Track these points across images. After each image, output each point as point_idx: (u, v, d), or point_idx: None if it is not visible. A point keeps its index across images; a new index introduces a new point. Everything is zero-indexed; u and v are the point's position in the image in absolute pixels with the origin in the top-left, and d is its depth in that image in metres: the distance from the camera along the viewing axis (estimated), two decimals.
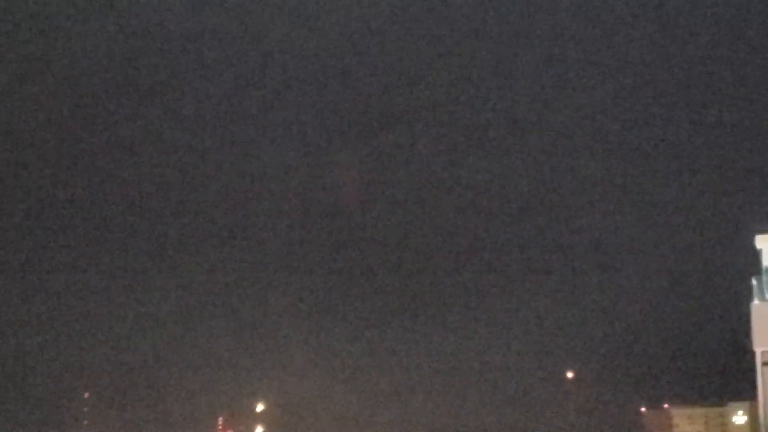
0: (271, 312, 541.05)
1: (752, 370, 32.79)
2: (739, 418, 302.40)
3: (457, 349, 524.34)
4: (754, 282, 34.80)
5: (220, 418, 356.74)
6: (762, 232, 36.07)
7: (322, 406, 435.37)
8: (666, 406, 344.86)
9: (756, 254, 35.34)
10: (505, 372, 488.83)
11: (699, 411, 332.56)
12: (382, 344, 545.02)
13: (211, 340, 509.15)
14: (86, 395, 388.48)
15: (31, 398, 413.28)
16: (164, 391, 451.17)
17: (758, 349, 33.27)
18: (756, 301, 34.12)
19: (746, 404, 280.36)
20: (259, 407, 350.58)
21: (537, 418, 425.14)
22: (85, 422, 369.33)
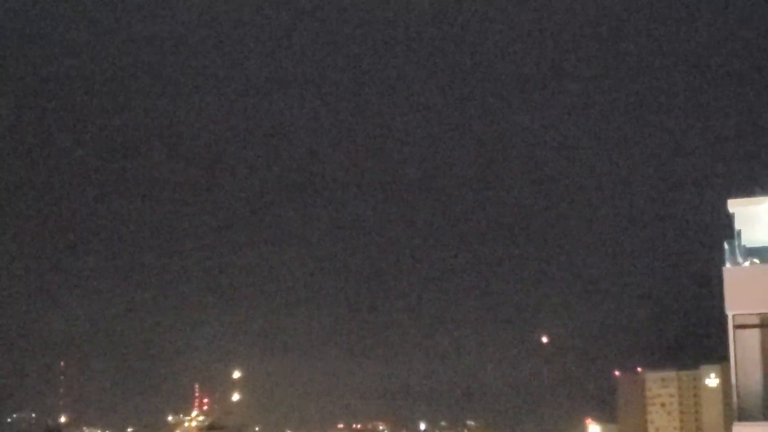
0: (248, 284, 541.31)
1: (724, 333, 31.16)
2: (712, 380, 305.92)
3: (437, 313, 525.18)
4: (726, 246, 34.15)
5: (197, 385, 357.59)
6: (734, 196, 35.59)
7: (297, 373, 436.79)
8: (639, 369, 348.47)
9: (728, 218, 34.95)
10: (482, 335, 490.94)
11: (672, 374, 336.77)
12: (359, 315, 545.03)
13: (189, 311, 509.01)
14: (62, 364, 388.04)
15: (7, 366, 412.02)
16: (141, 360, 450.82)
17: (730, 313, 33.00)
18: (728, 265, 33.78)
19: (718, 367, 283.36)
20: (236, 374, 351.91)
21: (513, 381, 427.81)
22: (61, 389, 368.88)
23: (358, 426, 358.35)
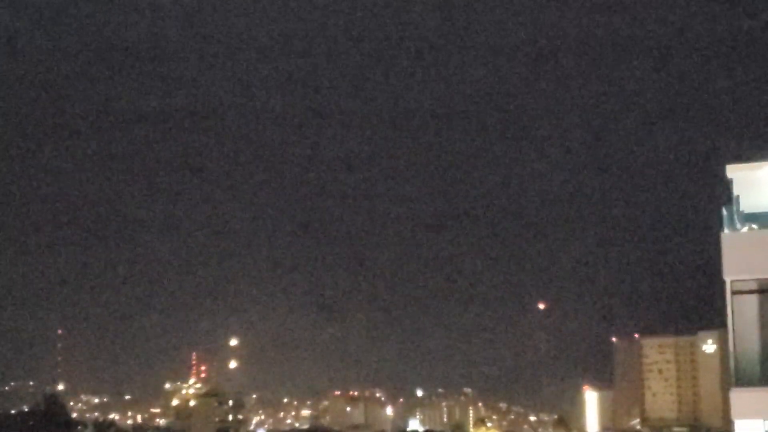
0: (246, 253, 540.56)
1: (722, 299, 31.24)
2: (709, 346, 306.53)
3: (435, 283, 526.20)
4: (724, 212, 34.36)
5: (194, 354, 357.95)
6: (732, 161, 35.45)
7: (293, 341, 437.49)
8: (636, 336, 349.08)
9: (726, 184, 34.87)
10: (481, 305, 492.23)
11: (669, 341, 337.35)
12: (358, 284, 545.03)
13: (187, 281, 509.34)
14: (59, 331, 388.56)
15: (4, 335, 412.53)
16: (138, 329, 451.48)
17: (728, 278, 33.05)
18: (726, 231, 33.55)
19: (715, 333, 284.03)
20: (233, 342, 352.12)
21: (511, 349, 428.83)
22: (59, 357, 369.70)
23: (355, 393, 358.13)
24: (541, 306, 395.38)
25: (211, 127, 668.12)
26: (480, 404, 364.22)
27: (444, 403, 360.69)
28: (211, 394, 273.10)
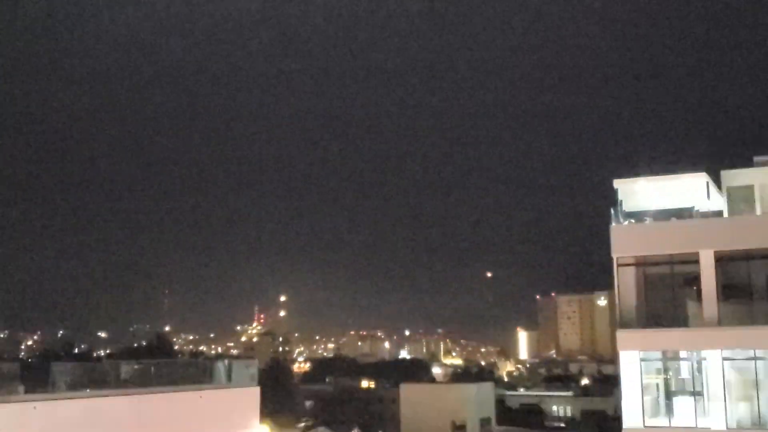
0: (292, 221, 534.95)
1: (611, 270, 31.84)
2: (602, 301, 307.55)
3: (417, 259, 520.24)
4: (612, 211, 34.45)
5: (256, 306, 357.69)
6: (618, 177, 35.46)
7: (324, 297, 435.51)
8: (553, 294, 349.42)
9: (614, 192, 35.09)
10: (446, 272, 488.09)
11: (575, 297, 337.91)
12: (365, 257, 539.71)
13: (250, 251, 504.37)
14: (166, 291, 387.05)
15: (125, 290, 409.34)
16: (222, 288, 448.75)
17: (615, 256, 33.49)
18: (613, 224, 33.75)
19: (606, 293, 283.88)
20: (282, 298, 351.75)
21: (468, 304, 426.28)
22: (165, 306, 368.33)
23: (364, 332, 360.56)
24: (489, 274, 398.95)
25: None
26: (447, 340, 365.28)
27: (423, 340, 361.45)
28: (268, 334, 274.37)
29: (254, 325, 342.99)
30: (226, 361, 24.57)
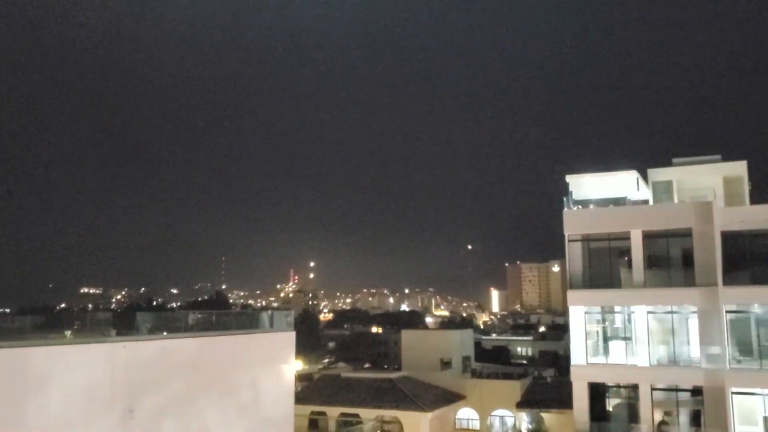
0: (318, 197, 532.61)
1: (563, 244, 31.58)
2: (556, 268, 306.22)
3: (416, 233, 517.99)
4: (564, 199, 33.88)
5: (291, 270, 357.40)
6: (569, 173, 34.82)
7: (350, 262, 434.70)
8: (518, 262, 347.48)
9: (566, 184, 34.58)
10: (437, 244, 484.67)
11: (534, 265, 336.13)
12: (374, 230, 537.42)
13: (284, 217, 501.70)
14: (223, 258, 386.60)
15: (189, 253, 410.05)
16: (265, 254, 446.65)
17: (567, 233, 33.10)
18: (565, 209, 33.32)
19: (560, 261, 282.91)
20: (311, 263, 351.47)
21: (453, 271, 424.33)
22: (222, 272, 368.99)
23: (374, 290, 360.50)
24: (469, 247, 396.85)
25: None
26: (438, 297, 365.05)
27: (419, 296, 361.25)
28: (301, 291, 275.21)
29: (290, 284, 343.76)
30: (269, 312, 24.77)
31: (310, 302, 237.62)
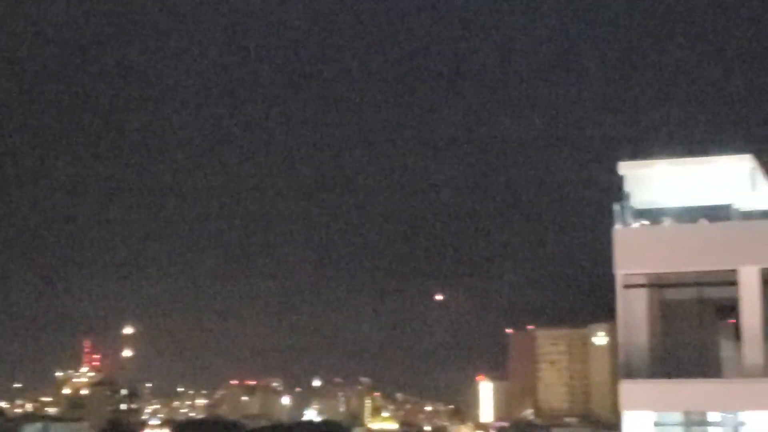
0: (138, 240, 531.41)
1: (613, 292, 31.40)
2: (600, 339, 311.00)
3: (329, 271, 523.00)
4: (616, 208, 34.02)
5: (87, 341, 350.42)
6: (624, 159, 35.85)
7: (190, 331, 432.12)
8: (530, 328, 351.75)
9: (618, 181, 35.25)
10: (377, 295, 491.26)
11: (561, 333, 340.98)
12: (254, 275, 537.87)
13: (78, 267, 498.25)
14: None
15: None
16: (27, 313, 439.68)
17: (619, 272, 33.35)
18: (618, 226, 33.53)
19: (606, 326, 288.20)
20: (127, 330, 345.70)
21: (407, 337, 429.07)
22: None
23: (252, 382, 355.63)
24: (438, 297, 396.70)
25: None
26: (377, 394, 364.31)
27: (341, 393, 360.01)
28: (105, 384, 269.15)
29: (83, 369, 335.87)
30: (39, 425, 24.00)
31: (123, 404, 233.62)
